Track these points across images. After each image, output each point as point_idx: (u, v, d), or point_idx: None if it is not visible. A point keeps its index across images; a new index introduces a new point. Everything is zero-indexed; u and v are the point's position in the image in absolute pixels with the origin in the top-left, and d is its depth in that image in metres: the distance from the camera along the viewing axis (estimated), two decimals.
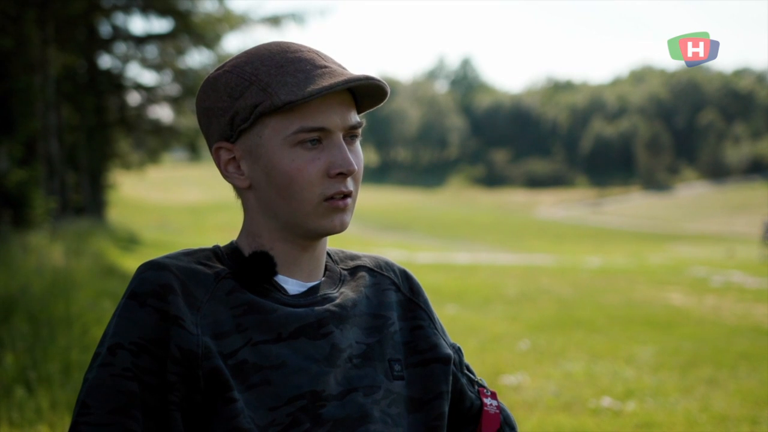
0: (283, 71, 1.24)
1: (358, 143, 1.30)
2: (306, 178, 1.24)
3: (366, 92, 1.29)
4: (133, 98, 27.38)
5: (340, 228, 1.27)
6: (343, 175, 1.25)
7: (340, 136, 1.26)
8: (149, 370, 1.18)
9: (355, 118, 1.28)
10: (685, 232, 49.73)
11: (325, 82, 1.22)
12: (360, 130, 1.30)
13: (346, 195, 1.26)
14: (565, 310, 11.09)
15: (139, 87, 26.65)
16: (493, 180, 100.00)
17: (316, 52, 1.29)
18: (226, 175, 1.30)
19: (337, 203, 1.26)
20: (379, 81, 1.25)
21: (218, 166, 1.30)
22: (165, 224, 37.04)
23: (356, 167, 1.26)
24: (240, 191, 1.31)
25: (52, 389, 4.52)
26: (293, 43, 1.30)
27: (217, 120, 1.28)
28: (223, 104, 1.27)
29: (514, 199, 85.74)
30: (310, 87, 1.22)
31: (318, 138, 1.24)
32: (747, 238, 35.17)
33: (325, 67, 1.26)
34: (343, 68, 1.28)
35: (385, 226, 45.17)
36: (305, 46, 1.30)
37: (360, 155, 1.29)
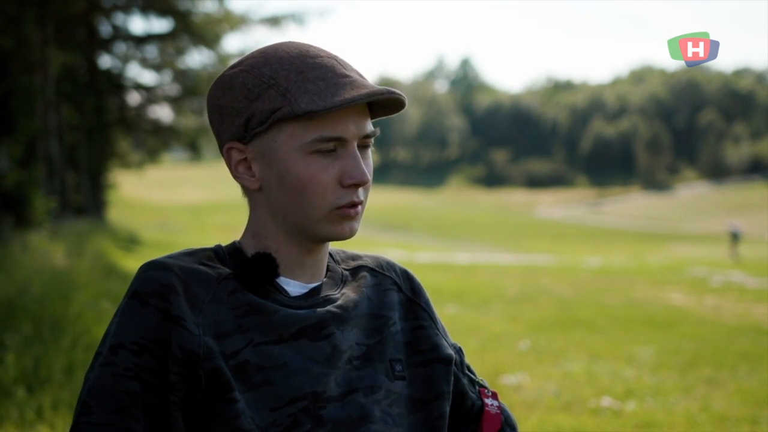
0: (303, 77, 1.23)
1: (369, 152, 1.29)
2: (319, 185, 1.23)
3: (383, 103, 1.28)
4: (133, 98, 27.40)
5: (350, 235, 1.27)
6: (356, 185, 1.25)
7: (355, 145, 1.25)
8: (150, 369, 1.17)
9: (369, 127, 1.27)
10: (685, 232, 49.72)
11: (347, 93, 1.21)
12: (373, 140, 1.29)
13: (357, 204, 1.26)
14: (565, 310, 11.09)
15: (139, 87, 26.66)
16: (493, 180, 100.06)
17: (336, 59, 1.27)
18: (236, 176, 1.29)
19: (347, 211, 1.25)
20: (400, 94, 1.25)
21: (228, 165, 1.29)
22: (165, 224, 37.03)
23: (369, 178, 1.26)
24: (248, 192, 1.30)
25: (53, 389, 4.51)
26: (312, 47, 1.28)
27: (231, 119, 1.26)
28: (238, 104, 1.25)
29: (514, 199, 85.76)
30: (332, 98, 1.20)
31: (334, 147, 1.24)
32: (748, 239, 35.19)
33: (347, 76, 1.24)
34: (363, 78, 1.27)
35: (385, 226, 45.16)
36: (325, 51, 1.28)
37: (370, 164, 1.29)
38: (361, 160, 1.25)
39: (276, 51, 1.27)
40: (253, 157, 1.26)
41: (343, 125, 1.23)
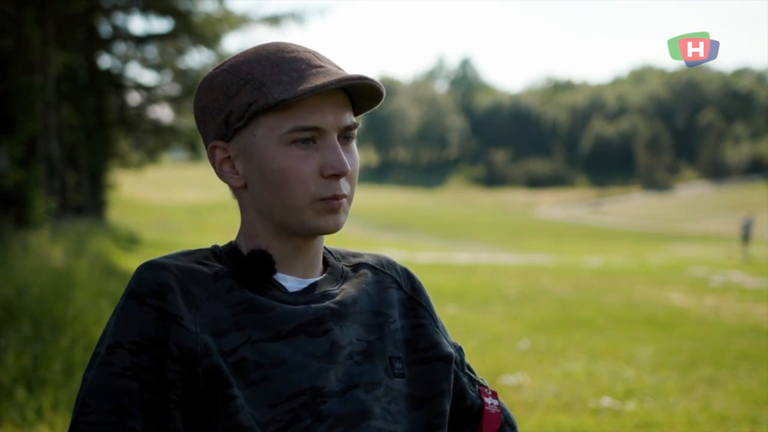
0: (278, 70, 1.24)
1: (353, 144, 1.29)
2: (299, 176, 1.23)
3: (361, 93, 1.28)
4: (133, 98, 27.42)
5: (334, 228, 1.27)
6: (337, 176, 1.25)
7: (335, 136, 1.25)
8: (148, 368, 1.17)
9: (350, 118, 1.27)
10: (685, 232, 49.71)
11: (319, 81, 1.22)
12: (355, 131, 1.29)
13: (340, 196, 1.26)
14: (565, 310, 11.09)
15: (139, 87, 26.67)
16: (493, 180, 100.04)
17: (313, 53, 1.29)
18: (221, 174, 1.30)
19: (331, 203, 1.25)
20: (372, 81, 1.24)
21: (213, 165, 1.30)
22: (165, 224, 37.04)
23: (350, 168, 1.25)
24: (235, 191, 1.31)
25: (52, 389, 4.51)
26: (291, 44, 1.30)
27: (213, 119, 1.28)
28: (218, 103, 1.27)
29: (514, 199, 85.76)
30: (303, 86, 1.21)
31: (312, 137, 1.24)
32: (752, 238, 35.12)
33: (320, 66, 1.25)
34: (339, 69, 1.28)
35: (385, 226, 45.17)
36: (302, 47, 1.30)
37: (355, 156, 1.29)
38: (341, 150, 1.25)
39: (256, 50, 1.29)
40: (236, 155, 1.27)
41: (319, 115, 1.23)
